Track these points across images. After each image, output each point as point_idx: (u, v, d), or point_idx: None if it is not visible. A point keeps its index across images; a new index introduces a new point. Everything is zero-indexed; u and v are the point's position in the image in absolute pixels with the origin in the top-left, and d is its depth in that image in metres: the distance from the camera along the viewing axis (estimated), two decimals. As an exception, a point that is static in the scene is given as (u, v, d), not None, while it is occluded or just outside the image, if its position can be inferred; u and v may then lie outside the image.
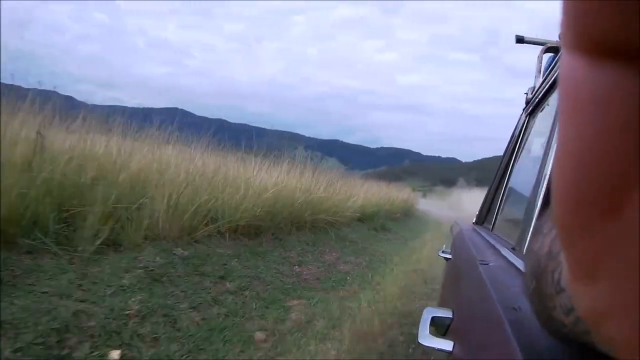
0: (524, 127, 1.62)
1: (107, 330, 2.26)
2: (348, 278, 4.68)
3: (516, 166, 1.62)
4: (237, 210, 4.45)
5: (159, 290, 2.87)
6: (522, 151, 1.59)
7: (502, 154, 1.92)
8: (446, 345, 0.81)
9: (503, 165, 1.80)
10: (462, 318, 0.89)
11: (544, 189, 0.98)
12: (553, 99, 1.20)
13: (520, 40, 1.74)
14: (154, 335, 2.41)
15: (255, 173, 5.83)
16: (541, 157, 1.12)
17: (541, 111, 1.41)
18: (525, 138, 1.59)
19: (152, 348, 2.31)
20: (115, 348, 2.16)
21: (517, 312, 0.58)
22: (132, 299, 2.62)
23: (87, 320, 2.26)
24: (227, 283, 3.42)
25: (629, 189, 0.10)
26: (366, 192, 9.97)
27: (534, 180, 1.09)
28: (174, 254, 3.43)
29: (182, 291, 3.00)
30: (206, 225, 4.06)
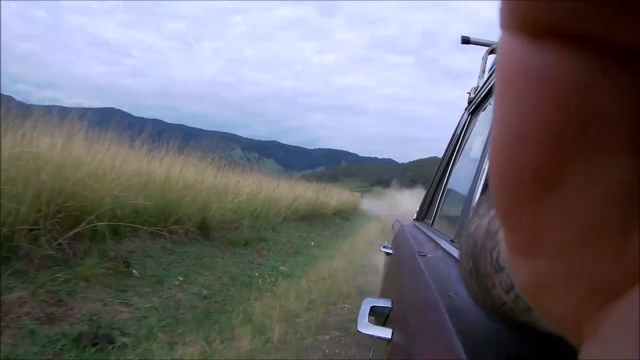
0: (466, 126, 1.68)
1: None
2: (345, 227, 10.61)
3: (457, 163, 1.68)
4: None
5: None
6: (463, 149, 1.64)
7: (437, 155, 1.99)
8: (385, 333, 0.84)
9: (444, 163, 1.88)
10: (401, 307, 0.91)
11: (482, 182, 1.03)
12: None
13: (466, 41, 1.78)
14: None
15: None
16: (481, 153, 1.18)
17: (483, 110, 1.46)
18: (467, 137, 1.65)
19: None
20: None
21: (453, 299, 0.61)
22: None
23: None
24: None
25: (566, 163, 0.10)
26: (327, 195, 12.71)
27: (474, 174, 1.15)
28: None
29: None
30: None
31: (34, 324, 2.46)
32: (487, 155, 1.03)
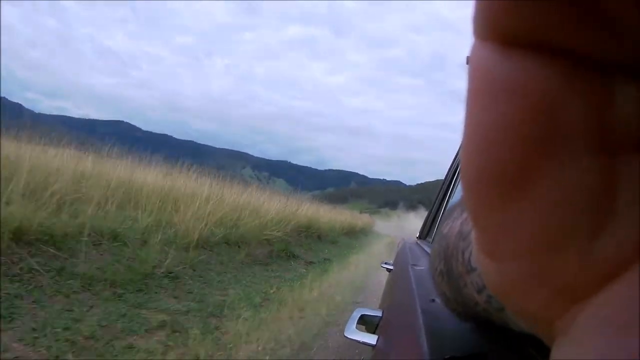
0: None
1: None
2: (355, 244, 11.73)
3: (458, 183, 1.69)
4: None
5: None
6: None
7: (444, 177, 2.00)
8: (370, 339, 0.86)
9: (446, 183, 1.90)
10: (387, 315, 0.94)
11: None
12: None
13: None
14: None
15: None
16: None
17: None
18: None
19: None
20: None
21: (433, 303, 0.63)
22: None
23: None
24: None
25: (533, 168, 0.10)
26: (340, 216, 14.13)
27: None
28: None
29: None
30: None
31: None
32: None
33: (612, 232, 0.10)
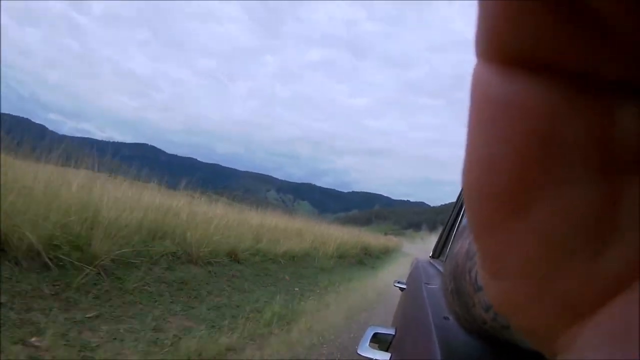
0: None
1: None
2: (392, 258, 14.61)
3: None
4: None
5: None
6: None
7: (456, 197, 2.01)
8: (383, 356, 0.86)
9: (459, 203, 1.90)
10: (400, 333, 0.95)
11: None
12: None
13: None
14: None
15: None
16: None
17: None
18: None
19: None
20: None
21: (446, 321, 0.63)
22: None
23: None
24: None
25: (534, 189, 0.10)
26: (377, 240, 17.74)
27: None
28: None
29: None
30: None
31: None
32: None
33: (614, 250, 0.10)
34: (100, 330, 2.52)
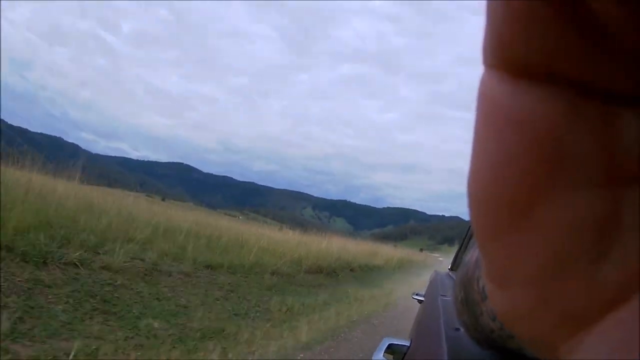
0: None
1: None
2: (435, 267, 12.71)
3: None
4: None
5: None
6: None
7: None
8: None
9: None
10: (414, 344, 0.98)
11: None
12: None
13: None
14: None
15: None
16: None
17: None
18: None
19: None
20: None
21: (457, 332, 0.64)
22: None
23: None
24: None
25: (538, 198, 0.11)
26: (418, 256, 22.43)
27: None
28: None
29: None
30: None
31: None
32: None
33: (616, 259, 0.10)
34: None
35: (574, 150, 0.10)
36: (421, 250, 46.39)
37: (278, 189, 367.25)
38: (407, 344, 1.03)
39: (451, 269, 2.19)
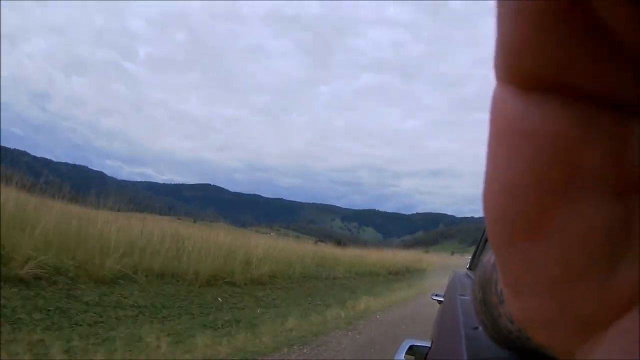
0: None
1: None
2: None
3: None
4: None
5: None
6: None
7: None
8: None
9: None
10: (435, 344, 0.99)
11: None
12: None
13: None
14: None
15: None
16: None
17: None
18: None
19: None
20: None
21: (476, 331, 0.64)
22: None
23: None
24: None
25: (552, 210, 0.11)
26: (452, 260, 22.73)
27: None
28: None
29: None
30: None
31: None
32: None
33: (628, 266, 0.11)
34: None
35: (586, 161, 0.10)
36: (452, 253, 46.77)
37: (306, 203, 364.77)
38: (428, 344, 1.04)
39: (469, 269, 2.19)
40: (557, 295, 0.11)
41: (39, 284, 3.50)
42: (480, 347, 0.55)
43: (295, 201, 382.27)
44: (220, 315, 4.33)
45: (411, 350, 1.05)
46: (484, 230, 1.60)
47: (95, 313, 3.43)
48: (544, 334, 0.12)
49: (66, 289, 3.61)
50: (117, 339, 2.96)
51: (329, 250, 12.96)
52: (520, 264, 0.12)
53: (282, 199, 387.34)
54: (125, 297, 3.98)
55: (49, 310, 3.20)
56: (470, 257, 2.65)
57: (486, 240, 1.75)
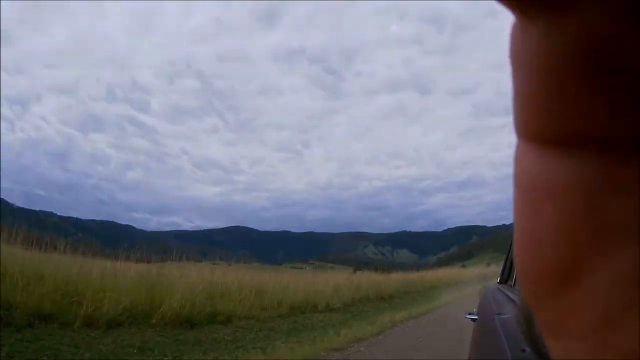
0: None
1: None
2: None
3: None
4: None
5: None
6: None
7: None
8: None
9: None
10: None
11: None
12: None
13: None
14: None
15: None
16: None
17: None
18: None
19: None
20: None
21: (524, 353, 0.63)
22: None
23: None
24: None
25: (581, 261, 0.11)
26: (487, 269, 25.44)
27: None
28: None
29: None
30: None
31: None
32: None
33: None
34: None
35: (613, 211, 0.11)
36: (488, 264, 47.73)
37: (337, 233, 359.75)
38: None
39: (500, 282, 2.19)
40: (596, 338, 0.11)
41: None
42: None
43: (326, 232, 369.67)
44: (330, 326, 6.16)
45: None
46: (511, 243, 2.96)
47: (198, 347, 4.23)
48: None
49: (159, 329, 4.35)
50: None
51: (380, 275, 15.60)
52: (557, 311, 0.12)
53: (312, 232, 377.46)
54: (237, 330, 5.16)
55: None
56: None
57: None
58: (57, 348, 3.37)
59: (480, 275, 18.49)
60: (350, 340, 4.84)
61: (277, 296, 6.63)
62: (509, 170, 0.12)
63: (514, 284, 1.64)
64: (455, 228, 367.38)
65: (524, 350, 0.62)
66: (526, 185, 0.12)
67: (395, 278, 14.32)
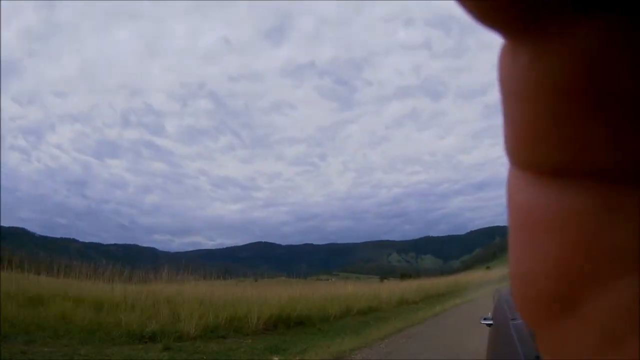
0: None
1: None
2: None
3: None
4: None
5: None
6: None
7: None
8: None
9: None
10: None
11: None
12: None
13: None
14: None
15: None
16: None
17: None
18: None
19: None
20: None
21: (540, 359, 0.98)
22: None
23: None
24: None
25: (577, 292, 0.11)
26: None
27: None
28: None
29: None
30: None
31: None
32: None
33: None
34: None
35: (612, 242, 0.10)
36: None
37: (359, 243, 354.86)
38: None
39: None
40: None
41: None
42: None
43: (348, 243, 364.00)
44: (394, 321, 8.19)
45: None
46: None
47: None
48: None
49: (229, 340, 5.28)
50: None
51: (416, 282, 18.89)
52: (557, 339, 0.12)
53: (333, 243, 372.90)
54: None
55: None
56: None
57: None
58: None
59: (503, 276, 19.83)
60: (452, 306, 10.78)
61: (347, 302, 8.79)
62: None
63: None
64: (477, 230, 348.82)
65: (538, 357, 0.64)
66: (520, 216, 0.11)
67: (437, 282, 18.12)
